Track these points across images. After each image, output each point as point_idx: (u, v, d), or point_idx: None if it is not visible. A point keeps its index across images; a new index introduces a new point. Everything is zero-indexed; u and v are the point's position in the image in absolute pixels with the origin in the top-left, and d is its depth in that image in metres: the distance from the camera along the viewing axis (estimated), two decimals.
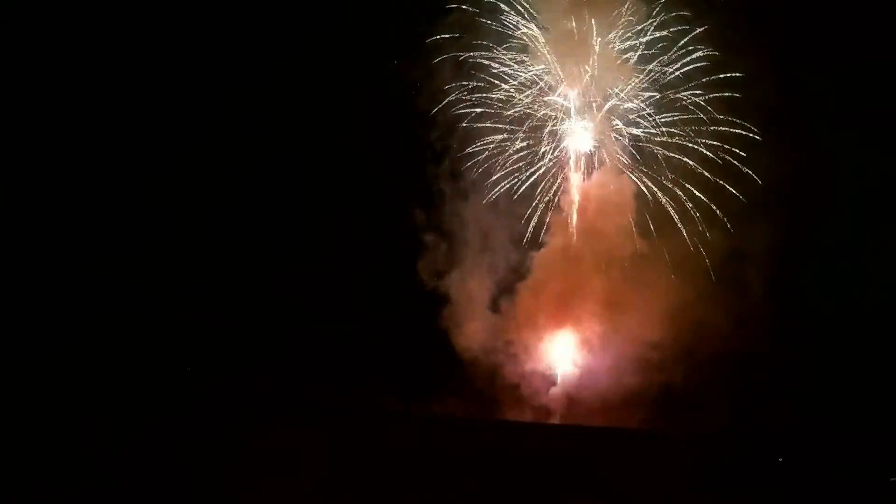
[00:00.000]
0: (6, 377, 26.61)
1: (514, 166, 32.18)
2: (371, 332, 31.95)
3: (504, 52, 31.70)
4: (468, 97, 31.86)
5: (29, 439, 23.19)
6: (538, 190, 32.31)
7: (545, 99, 32.05)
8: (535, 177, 32.21)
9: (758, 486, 23.51)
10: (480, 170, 32.10)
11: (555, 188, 32.43)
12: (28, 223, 30.93)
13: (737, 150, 30.68)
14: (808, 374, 30.16)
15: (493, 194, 32.19)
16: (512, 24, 31.64)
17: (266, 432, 25.29)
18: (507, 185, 32.17)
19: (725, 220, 30.87)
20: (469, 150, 32.01)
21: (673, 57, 31.15)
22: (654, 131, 31.47)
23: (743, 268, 30.67)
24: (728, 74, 30.44)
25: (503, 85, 31.84)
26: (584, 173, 32.52)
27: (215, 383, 29.42)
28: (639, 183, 31.80)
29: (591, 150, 32.40)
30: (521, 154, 32.20)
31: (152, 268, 31.44)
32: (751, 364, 30.46)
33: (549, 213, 32.41)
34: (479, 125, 32.00)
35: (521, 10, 31.61)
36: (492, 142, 32.06)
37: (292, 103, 32.44)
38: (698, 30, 30.65)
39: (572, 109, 32.09)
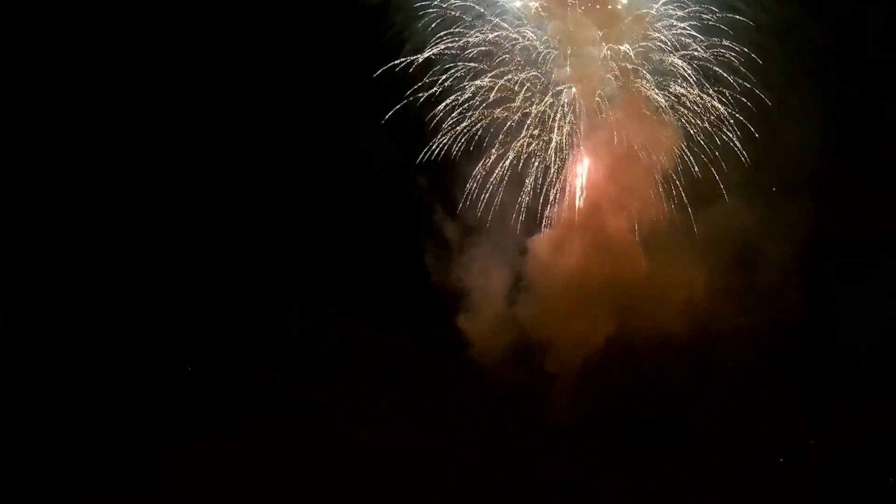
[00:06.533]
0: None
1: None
2: (374, 332, 31.94)
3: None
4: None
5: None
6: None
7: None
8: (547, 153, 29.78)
9: (758, 485, 23.59)
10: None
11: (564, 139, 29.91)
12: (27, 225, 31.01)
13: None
14: (811, 372, 29.94)
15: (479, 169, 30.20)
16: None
17: (266, 432, 25.51)
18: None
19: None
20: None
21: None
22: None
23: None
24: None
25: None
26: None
27: (215, 382, 29.51)
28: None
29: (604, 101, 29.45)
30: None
31: (151, 267, 31.52)
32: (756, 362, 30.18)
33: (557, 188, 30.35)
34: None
35: None
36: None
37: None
38: None
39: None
